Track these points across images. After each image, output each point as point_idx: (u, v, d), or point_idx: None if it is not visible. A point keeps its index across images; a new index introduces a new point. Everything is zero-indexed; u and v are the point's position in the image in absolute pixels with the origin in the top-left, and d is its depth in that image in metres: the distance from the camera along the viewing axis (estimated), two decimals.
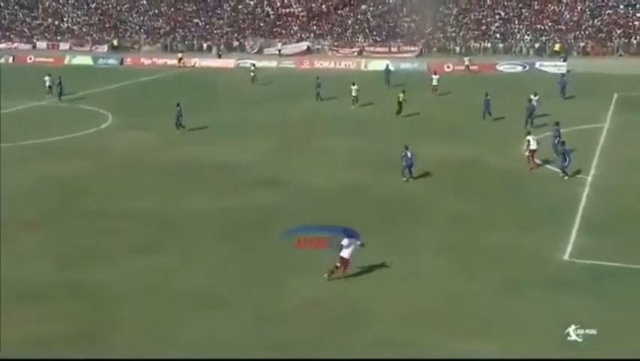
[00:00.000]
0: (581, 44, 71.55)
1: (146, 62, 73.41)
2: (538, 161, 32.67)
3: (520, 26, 75.27)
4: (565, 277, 21.31)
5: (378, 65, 64.79)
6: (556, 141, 33.49)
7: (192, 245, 24.14)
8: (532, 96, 41.67)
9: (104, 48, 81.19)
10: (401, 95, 43.79)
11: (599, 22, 73.43)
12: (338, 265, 20.87)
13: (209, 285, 21.04)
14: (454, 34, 76.13)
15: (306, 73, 62.15)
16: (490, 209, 27.36)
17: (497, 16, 76.89)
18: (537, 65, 64.84)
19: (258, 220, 26.30)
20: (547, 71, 63.18)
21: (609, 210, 27.15)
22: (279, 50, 74.92)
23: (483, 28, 76.19)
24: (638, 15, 73.04)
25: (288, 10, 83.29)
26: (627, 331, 18.35)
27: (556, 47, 70.46)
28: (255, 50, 77.33)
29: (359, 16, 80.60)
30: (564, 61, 64.40)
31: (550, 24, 74.62)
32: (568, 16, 75.06)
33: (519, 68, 64.96)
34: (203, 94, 54.04)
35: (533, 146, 32.50)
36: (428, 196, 28.96)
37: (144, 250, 23.49)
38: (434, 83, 50.30)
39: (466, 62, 64.44)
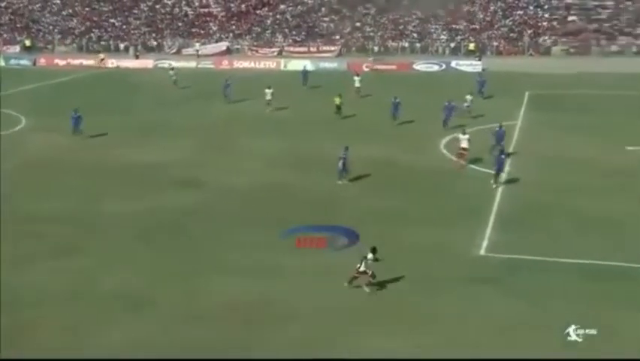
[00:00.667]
0: (494, 44, 73.49)
1: (60, 62, 71.56)
2: (463, 162, 32.97)
3: (437, 26, 76.78)
4: (481, 272, 21.89)
5: (297, 64, 64.94)
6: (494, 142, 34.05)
7: (112, 247, 23.80)
8: (467, 96, 42.60)
9: (16, 48, 78.73)
10: (337, 99, 43.48)
11: (511, 23, 75.59)
12: (355, 275, 20.46)
13: (129, 286, 20.78)
14: (372, 33, 77.05)
15: (225, 73, 61.78)
16: (408, 207, 27.84)
17: (414, 16, 78.20)
18: (453, 64, 66.28)
19: (178, 221, 26.09)
20: (463, 70, 64.62)
21: (523, 205, 28.01)
22: (197, 51, 74.23)
23: (400, 27, 77.39)
24: (546, 16, 75.51)
25: (206, 10, 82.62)
26: (539, 321, 18.98)
27: (471, 46, 72.16)
28: (174, 51, 76.40)
29: (278, 16, 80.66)
30: (479, 60, 66.05)
31: (465, 24, 76.37)
32: (481, 16, 76.98)
33: (436, 67, 66.25)
34: (121, 95, 53.13)
35: (464, 144, 33.06)
36: (348, 195, 29.26)
37: (63, 252, 23.03)
38: (357, 84, 50.10)
39: (369, 62, 65.62)
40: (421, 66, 66.60)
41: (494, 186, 29.84)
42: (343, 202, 28.36)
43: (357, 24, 78.48)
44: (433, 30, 76.43)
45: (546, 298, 20.12)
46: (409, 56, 71.16)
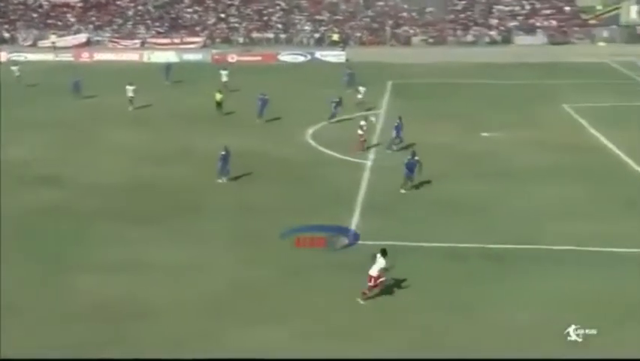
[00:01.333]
0: (357, 34, 74.89)
1: None
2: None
3: (300, 17, 77.36)
4: (348, 259, 22.33)
5: (161, 56, 63.76)
6: (394, 134, 34.35)
7: None
8: (360, 88, 42.92)
9: None
10: (218, 94, 42.42)
11: (373, 14, 77.25)
12: (371, 284, 19.80)
13: None
14: (237, 24, 76.67)
15: (86, 66, 59.73)
16: (275, 197, 28.03)
17: (278, 7, 78.44)
18: (318, 54, 66.96)
19: (41, 219, 25.10)
20: (328, 60, 65.39)
21: (388, 192, 28.76)
22: (53, 43, 71.21)
23: (265, 18, 77.42)
24: (405, 7, 77.67)
25: (63, 1, 79.42)
26: (407, 303, 19.62)
27: (335, 37, 73.16)
28: (29, 43, 72.97)
29: (140, 7, 78.72)
30: (342, 50, 67.10)
31: (328, 15, 77.35)
32: (344, 6, 78.22)
33: (301, 58, 66.71)
34: None
35: (360, 131, 34.02)
36: (214, 188, 29.09)
37: None
38: (224, 79, 48.72)
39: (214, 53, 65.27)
40: (286, 57, 66.88)
41: (403, 191, 28.51)
42: (209, 195, 28.21)
43: (222, 15, 77.85)
44: (297, 21, 76.94)
45: (412, 281, 20.78)
46: (274, 47, 71.33)
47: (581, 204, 26.97)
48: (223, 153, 29.82)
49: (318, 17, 77.11)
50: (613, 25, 70.92)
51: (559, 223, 24.89)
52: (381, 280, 19.80)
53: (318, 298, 19.86)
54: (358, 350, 17.35)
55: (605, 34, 70.22)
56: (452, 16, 76.17)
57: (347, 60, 62.71)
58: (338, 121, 39.83)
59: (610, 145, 34.89)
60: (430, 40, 73.88)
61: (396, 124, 34.74)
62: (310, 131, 38.21)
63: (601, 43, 63.59)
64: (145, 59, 66.59)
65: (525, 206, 26.85)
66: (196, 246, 23.26)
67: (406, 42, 74.03)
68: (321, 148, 35.05)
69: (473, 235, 24.08)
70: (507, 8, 75.86)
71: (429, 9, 76.41)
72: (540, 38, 71.62)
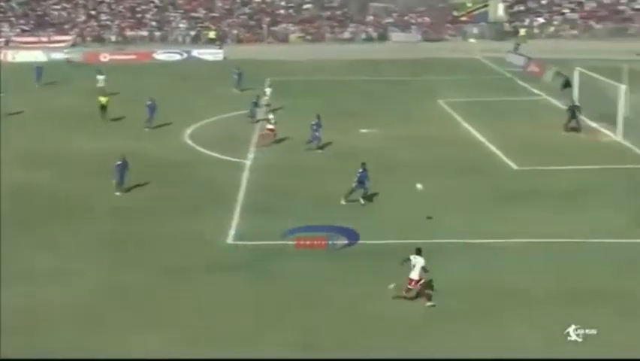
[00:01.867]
0: (234, 32, 74.50)
1: None
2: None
3: (175, 14, 76.16)
4: (229, 260, 22.19)
5: (28, 56, 61.23)
6: (313, 128, 34.02)
7: None
8: (266, 90, 42.38)
9: None
10: (102, 98, 40.34)
11: (250, 10, 77.08)
12: (410, 287, 19.35)
13: None
14: (109, 22, 74.61)
15: None
16: (154, 200, 27.49)
17: (152, 4, 76.92)
18: (195, 52, 66.09)
19: None
20: (205, 58, 64.69)
21: (269, 190, 28.75)
22: None
23: (138, 16, 75.73)
24: (282, 4, 77.96)
25: None
26: (288, 303, 19.68)
27: (211, 34, 72.49)
28: None
29: (2, 4, 75.25)
30: (220, 48, 66.57)
31: (204, 12, 76.55)
32: (220, 3, 77.64)
33: (177, 57, 65.64)
34: None
35: (270, 125, 35.05)
36: (88, 191, 28.21)
37: None
38: (100, 84, 45.34)
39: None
40: (161, 55, 65.63)
41: (363, 203, 26.90)
42: (82, 199, 27.38)
43: (92, 12, 75.57)
44: (172, 18, 75.72)
45: (291, 281, 20.86)
46: (148, 45, 69.86)
47: (457, 197, 27.83)
48: (119, 163, 27.96)
49: (193, 14, 76.22)
50: (482, 22, 73.84)
51: (436, 217, 25.54)
52: (421, 282, 19.35)
53: (196, 301, 19.58)
54: (242, 353, 17.20)
55: (476, 30, 73.03)
56: (329, 13, 77.07)
57: (225, 58, 62.26)
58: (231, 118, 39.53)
59: (481, 139, 36.26)
60: (308, 37, 74.48)
61: (314, 122, 34.53)
62: (188, 131, 37.68)
63: (472, 40, 66.09)
64: (10, 59, 63.68)
65: (403, 201, 27.44)
66: (70, 251, 22.46)
67: (284, 39, 74.34)
68: (200, 148, 34.65)
69: (353, 231, 24.30)
70: (382, 5, 77.50)
71: (306, 6, 77.02)
72: (414, 35, 73.61)
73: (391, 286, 19.41)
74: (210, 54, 65.53)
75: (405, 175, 30.50)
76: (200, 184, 29.44)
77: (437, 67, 57.21)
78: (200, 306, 19.40)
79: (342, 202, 26.78)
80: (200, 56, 65.45)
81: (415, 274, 19.30)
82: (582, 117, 37.79)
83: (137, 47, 69.11)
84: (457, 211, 26.09)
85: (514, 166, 32.05)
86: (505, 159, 33.03)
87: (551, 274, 21.15)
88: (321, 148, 34.15)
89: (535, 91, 48.65)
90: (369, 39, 74.30)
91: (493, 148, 34.75)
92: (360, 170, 27.04)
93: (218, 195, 27.90)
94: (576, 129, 37.25)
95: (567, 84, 46.55)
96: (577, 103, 38.48)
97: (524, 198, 27.59)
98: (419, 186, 26.70)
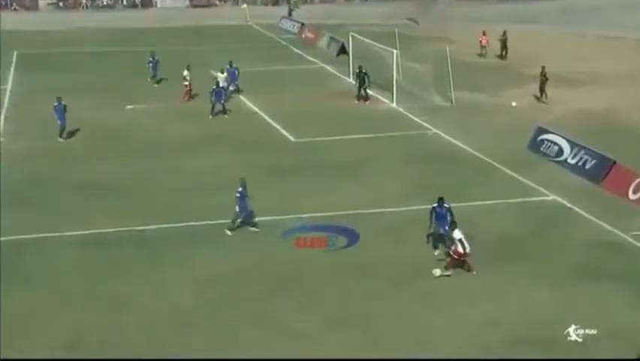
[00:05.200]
0: None
1: None
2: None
3: None
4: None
5: None
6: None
7: None
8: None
9: None
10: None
11: None
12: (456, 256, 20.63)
13: None
14: None
15: None
16: None
17: None
18: None
19: None
20: None
21: (23, 179, 27.90)
22: None
23: None
24: None
25: None
26: (47, 304, 19.56)
27: None
28: None
29: None
30: None
31: None
32: None
33: None
34: None
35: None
36: None
37: None
38: None
39: None
40: None
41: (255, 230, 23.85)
42: None
43: None
44: None
45: (52, 277, 20.72)
46: None
47: (230, 174, 28.41)
48: None
49: None
50: None
51: (208, 197, 26.12)
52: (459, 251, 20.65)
53: None
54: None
55: None
56: None
57: None
58: None
59: (256, 110, 37.41)
60: (60, 4, 71.92)
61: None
62: None
63: (243, 6, 67.15)
64: None
65: (174, 182, 27.82)
66: None
67: (32, 6, 71.20)
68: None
69: (118, 218, 24.36)
70: None
71: None
72: (182, 1, 73.54)
73: (437, 273, 20.71)
74: None
75: (175, 153, 30.93)
76: None
77: (208, 35, 57.73)
78: None
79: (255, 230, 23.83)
80: None
81: (459, 247, 20.63)
82: (369, 83, 39.42)
83: None
84: (229, 188, 26.41)
85: (291, 138, 33.47)
86: (282, 131, 34.36)
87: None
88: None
89: (311, 58, 50.74)
90: (132, 5, 73.20)
91: (269, 120, 36.01)
92: (240, 189, 23.48)
93: None
94: (364, 98, 39.18)
95: (342, 50, 49.15)
96: (364, 70, 39.61)
97: (300, 171, 28.95)
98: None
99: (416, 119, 36.25)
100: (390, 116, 37.18)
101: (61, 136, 32.57)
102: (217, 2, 74.21)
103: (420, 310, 19.14)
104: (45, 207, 25.30)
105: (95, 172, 28.61)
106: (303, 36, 58.23)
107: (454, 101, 38.90)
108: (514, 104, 38.96)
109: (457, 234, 20.75)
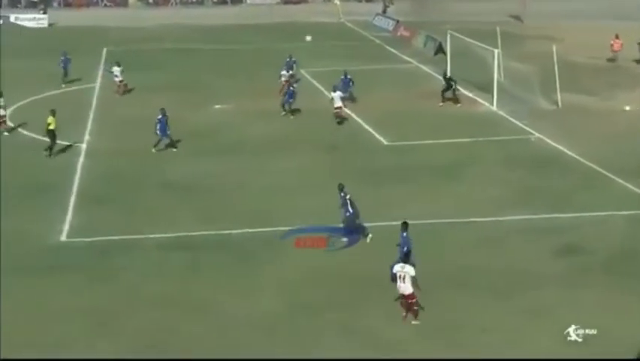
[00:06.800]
0: None
1: None
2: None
3: None
4: (63, 260, 21.95)
5: None
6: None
7: None
8: (114, 68, 40.70)
9: None
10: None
11: None
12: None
13: None
14: None
15: None
16: None
17: None
18: (12, 18, 63.30)
19: None
20: (25, 25, 62.23)
21: (107, 179, 28.45)
22: None
23: None
24: None
25: None
26: (128, 304, 19.69)
27: None
28: None
29: None
30: (44, 13, 64.36)
31: None
32: None
33: None
34: None
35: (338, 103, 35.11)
36: None
37: None
38: None
39: None
40: None
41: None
42: None
43: None
44: None
45: (130, 280, 20.90)
46: None
47: (317, 177, 28.33)
48: None
49: None
50: None
51: (294, 200, 26.01)
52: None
53: (25, 303, 19.37)
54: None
55: None
56: None
57: (50, 25, 60.41)
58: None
59: (348, 112, 37.13)
60: (150, 0, 73.43)
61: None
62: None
63: (336, 1, 67.12)
64: None
65: (261, 183, 27.85)
66: None
67: (123, 3, 72.95)
68: (24, 131, 33.75)
69: (204, 221, 24.52)
70: None
71: None
72: None
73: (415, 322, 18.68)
74: (32, 20, 63.05)
75: (262, 153, 30.98)
76: (24, 172, 28.66)
77: (298, 32, 57.84)
78: (36, 310, 19.10)
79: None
80: (20, 22, 62.63)
81: (407, 288, 18.51)
82: (459, 88, 38.98)
83: None
84: (316, 192, 26.46)
85: (384, 141, 33.09)
86: (374, 133, 34.03)
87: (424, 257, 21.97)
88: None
89: (406, 58, 50.27)
90: (222, 2, 74.15)
91: (360, 122, 35.71)
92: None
93: (49, 185, 27.32)
94: (453, 100, 38.54)
95: (440, 49, 48.49)
96: (449, 74, 39.24)
97: (393, 176, 28.54)
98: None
99: (518, 123, 35.37)
100: (490, 120, 36.41)
101: (155, 147, 31.51)
102: None
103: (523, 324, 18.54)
104: (128, 209, 25.65)
105: (180, 172, 28.86)
106: (398, 34, 57.82)
107: (560, 105, 37.83)
108: (627, 108, 37.67)
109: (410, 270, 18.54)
